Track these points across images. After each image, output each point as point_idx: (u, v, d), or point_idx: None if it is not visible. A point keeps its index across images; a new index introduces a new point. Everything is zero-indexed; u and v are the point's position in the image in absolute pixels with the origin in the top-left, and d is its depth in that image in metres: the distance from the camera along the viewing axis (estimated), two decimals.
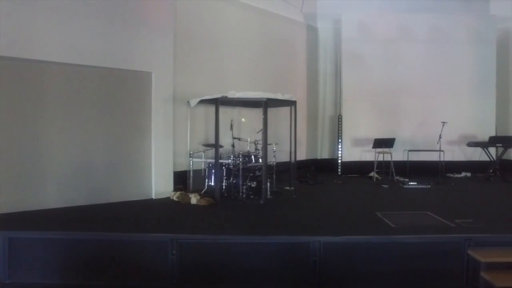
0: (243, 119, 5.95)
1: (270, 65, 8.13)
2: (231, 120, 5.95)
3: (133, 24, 5.63)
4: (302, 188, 7.01)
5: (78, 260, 3.96)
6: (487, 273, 3.65)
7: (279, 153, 8.33)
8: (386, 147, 7.64)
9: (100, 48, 5.37)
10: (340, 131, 8.69)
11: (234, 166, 5.84)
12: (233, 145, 5.85)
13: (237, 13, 7.48)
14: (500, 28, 9.37)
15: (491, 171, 7.76)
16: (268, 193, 5.96)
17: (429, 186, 6.94)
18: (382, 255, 3.91)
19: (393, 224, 4.35)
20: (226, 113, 7.08)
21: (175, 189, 6.08)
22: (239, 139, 6.64)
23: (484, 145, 7.81)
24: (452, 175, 8.59)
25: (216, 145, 5.60)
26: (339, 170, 8.66)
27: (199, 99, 5.86)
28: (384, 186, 7.11)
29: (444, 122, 7.67)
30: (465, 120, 8.78)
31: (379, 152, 7.83)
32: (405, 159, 8.43)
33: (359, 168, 8.49)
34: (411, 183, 7.07)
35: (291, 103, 6.05)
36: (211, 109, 6.62)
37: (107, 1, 5.40)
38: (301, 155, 8.89)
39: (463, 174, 8.61)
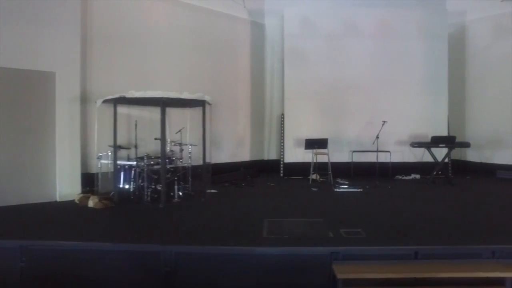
0: (136, 120, 5.73)
1: (208, 64, 7.86)
2: (135, 121, 5.72)
3: (34, 23, 5.44)
4: (228, 190, 6.76)
5: None
6: None
7: (221, 154, 8.13)
8: (319, 148, 7.28)
9: None
10: (282, 131, 8.38)
11: (139, 168, 5.63)
12: (135, 146, 5.62)
13: (166, 11, 7.22)
14: (455, 23, 8.91)
15: (435, 173, 7.34)
16: (177, 196, 5.74)
17: (361, 190, 6.58)
18: (242, 267, 3.63)
19: (268, 233, 4.05)
20: (152, 112, 6.89)
21: (86, 192, 5.90)
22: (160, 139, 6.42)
23: (427, 145, 7.38)
24: (400, 177, 8.19)
25: (115, 146, 5.40)
26: (281, 171, 8.36)
27: (102, 99, 5.65)
28: (314, 189, 6.78)
29: (384, 121, 7.29)
30: (416, 119, 8.35)
31: (315, 153, 7.47)
32: (352, 160, 8.09)
33: (303, 170, 8.15)
34: (342, 186, 6.74)
35: (202, 103, 5.79)
36: (128, 109, 6.44)
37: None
38: (245, 156, 8.65)
39: (412, 176, 8.21)
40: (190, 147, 6.20)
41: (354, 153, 8.04)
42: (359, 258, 3.61)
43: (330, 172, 7.52)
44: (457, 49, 8.93)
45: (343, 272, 3.40)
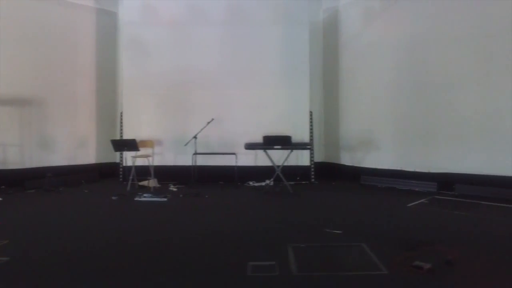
0: None
1: (36, 58, 7.04)
2: None
3: None
4: (20, 199, 5.94)
5: None
6: None
7: (53, 156, 7.38)
8: (128, 150, 6.36)
9: None
10: (121, 130, 7.53)
11: None
12: None
13: None
14: (329, 8, 7.89)
15: (272, 179, 6.34)
16: None
17: (166, 200, 5.67)
18: None
19: None
20: None
21: None
22: None
23: (260, 147, 6.37)
24: (251, 183, 7.22)
25: None
26: (120, 176, 7.51)
27: None
28: (114, 198, 5.90)
29: (211, 119, 6.31)
30: (275, 116, 7.33)
31: (134, 156, 6.56)
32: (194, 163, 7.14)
33: (143, 174, 7.22)
34: (145, 195, 5.84)
35: None
36: None
37: None
38: (89, 158, 7.85)
39: (266, 182, 7.21)
40: None
41: (196, 156, 7.09)
42: None
43: (152, 178, 6.63)
44: (331, 37, 7.89)
45: None
